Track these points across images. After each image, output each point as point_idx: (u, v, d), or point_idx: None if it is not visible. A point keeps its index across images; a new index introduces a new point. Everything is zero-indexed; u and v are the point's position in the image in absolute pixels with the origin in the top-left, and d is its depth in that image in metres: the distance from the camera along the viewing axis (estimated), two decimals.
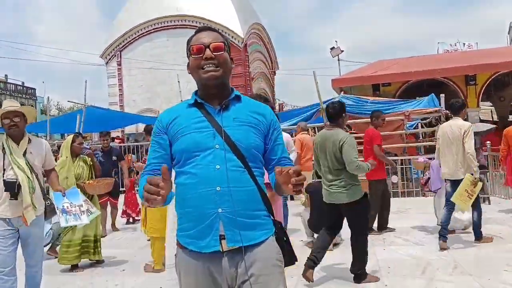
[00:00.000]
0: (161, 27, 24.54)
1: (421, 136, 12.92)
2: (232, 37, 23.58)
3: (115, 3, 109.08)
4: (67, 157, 5.15)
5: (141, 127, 21.01)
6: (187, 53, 1.83)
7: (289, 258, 1.84)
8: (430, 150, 11.42)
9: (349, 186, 4.16)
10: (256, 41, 26.13)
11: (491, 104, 20.17)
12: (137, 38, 25.09)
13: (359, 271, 4.20)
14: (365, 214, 4.34)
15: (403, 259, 4.90)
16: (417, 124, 12.70)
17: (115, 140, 19.12)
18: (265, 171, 1.87)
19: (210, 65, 1.74)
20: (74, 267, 5.11)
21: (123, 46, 25.30)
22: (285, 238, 1.83)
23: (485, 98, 17.65)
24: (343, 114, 4.39)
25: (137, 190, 6.57)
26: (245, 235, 1.68)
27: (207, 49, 1.75)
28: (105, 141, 7.69)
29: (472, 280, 4.06)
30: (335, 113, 4.38)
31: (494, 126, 9.92)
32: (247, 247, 1.69)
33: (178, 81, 16.26)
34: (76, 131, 11.49)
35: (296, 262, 1.87)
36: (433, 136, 12.82)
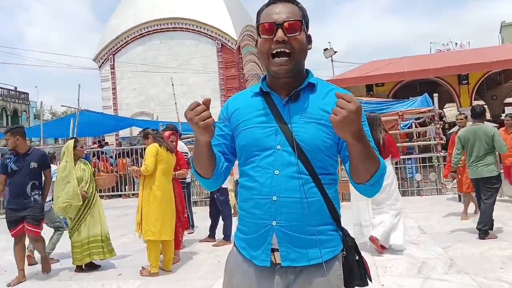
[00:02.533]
0: (154, 30, 24.54)
1: (415, 136, 12.99)
2: (226, 39, 23.60)
3: (108, 6, 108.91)
4: (67, 161, 5.19)
5: (135, 130, 20.99)
6: (256, 30, 1.49)
7: (361, 279, 1.56)
8: (424, 149, 11.51)
9: (491, 165, 5.58)
10: (249, 43, 26.09)
11: (484, 103, 20.30)
12: (130, 41, 25.05)
13: (483, 227, 5.49)
14: (497, 187, 5.71)
15: (399, 258, 4.91)
16: (411, 123, 12.77)
17: (108, 144, 19.02)
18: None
19: (282, 50, 1.43)
20: (79, 268, 5.16)
21: (116, 49, 25.25)
22: (357, 257, 1.56)
23: (477, 97, 17.77)
24: (485, 114, 6.01)
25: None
26: (302, 253, 1.44)
27: (279, 29, 1.42)
28: (9, 140, 4.90)
29: (468, 279, 4.07)
30: (481, 113, 5.88)
31: (497, 125, 10.08)
32: (303, 268, 1.46)
33: (172, 84, 16.25)
34: (70, 135, 11.48)
35: (370, 283, 1.60)
36: (427, 136, 12.93)
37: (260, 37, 1.48)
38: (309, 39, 1.54)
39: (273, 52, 1.44)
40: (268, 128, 1.48)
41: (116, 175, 5.66)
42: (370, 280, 1.59)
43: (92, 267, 5.24)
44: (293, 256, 1.45)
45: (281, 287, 1.48)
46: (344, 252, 1.53)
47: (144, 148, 5.39)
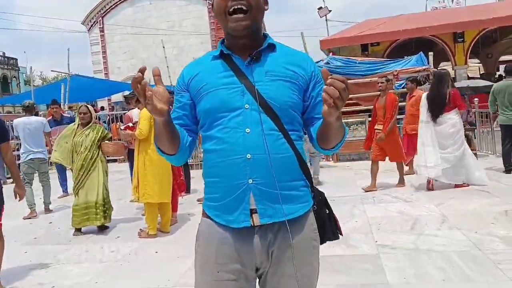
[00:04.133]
0: None
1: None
2: None
3: None
4: (74, 123, 5.48)
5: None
6: None
7: (332, 233, 1.63)
8: None
9: None
10: None
11: (479, 61, 20.20)
12: (118, 2, 24.38)
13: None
14: None
15: (393, 215, 5.01)
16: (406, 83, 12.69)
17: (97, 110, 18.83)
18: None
19: (239, 6, 1.43)
20: (78, 231, 5.25)
21: (104, 11, 24.60)
22: (327, 211, 1.62)
23: (473, 55, 17.64)
24: None
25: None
26: (279, 209, 1.45)
27: None
28: None
29: (460, 234, 4.17)
30: (510, 70, 7.13)
31: (492, 83, 10.11)
32: (281, 225, 1.47)
33: (163, 47, 15.95)
34: (61, 101, 11.34)
35: (340, 237, 1.66)
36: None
37: None
38: (265, 0, 1.55)
39: (230, 10, 1.44)
40: (234, 89, 1.47)
41: (125, 144, 5.63)
42: (341, 234, 1.66)
43: (103, 228, 5.35)
44: (270, 212, 1.45)
45: (261, 249, 1.48)
46: (315, 206, 1.57)
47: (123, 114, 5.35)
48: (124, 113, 12.25)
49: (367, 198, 5.95)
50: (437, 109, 5.99)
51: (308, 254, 1.53)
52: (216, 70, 1.51)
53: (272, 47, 1.54)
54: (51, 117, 8.51)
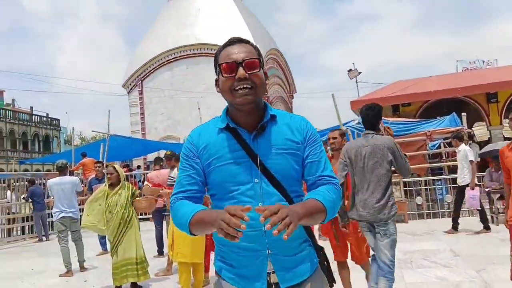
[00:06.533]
0: (181, 56, 25.11)
1: (444, 156, 12.76)
2: None
3: (136, 33, 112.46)
4: (105, 184, 5.57)
5: (162, 154, 21.30)
6: (215, 69, 1.61)
7: (330, 282, 1.73)
8: (454, 170, 11.28)
9: None
10: (273, 66, 26.48)
11: None
12: (157, 67, 25.71)
13: None
14: None
15: (432, 281, 4.82)
16: (439, 144, 12.56)
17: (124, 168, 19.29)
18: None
19: (244, 86, 1.52)
20: None
21: (144, 75, 25.95)
22: (326, 263, 1.72)
23: (507, 115, 17.38)
24: None
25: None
26: (296, 272, 1.58)
27: (240, 67, 1.53)
28: None
29: None
30: None
31: None
32: (299, 284, 1.59)
33: (199, 108, 16.55)
34: (100, 160, 11.79)
35: (334, 284, 1.74)
36: (456, 156, 12.67)
37: (222, 76, 1.57)
38: (265, 75, 1.63)
39: (236, 88, 1.54)
40: (243, 163, 1.56)
41: (156, 198, 5.79)
42: (334, 282, 1.75)
43: (135, 287, 5.37)
44: (288, 277, 1.56)
45: None
46: (319, 260, 1.69)
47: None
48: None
49: (405, 262, 5.77)
50: None
51: None
52: (224, 143, 1.59)
53: (273, 117, 1.63)
54: (94, 175, 8.95)
